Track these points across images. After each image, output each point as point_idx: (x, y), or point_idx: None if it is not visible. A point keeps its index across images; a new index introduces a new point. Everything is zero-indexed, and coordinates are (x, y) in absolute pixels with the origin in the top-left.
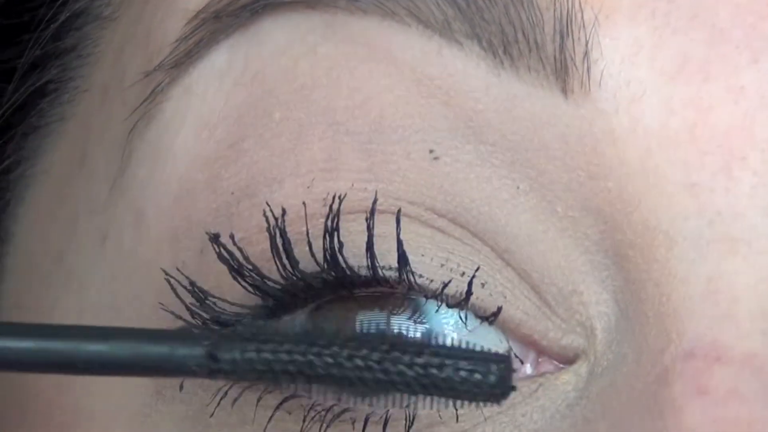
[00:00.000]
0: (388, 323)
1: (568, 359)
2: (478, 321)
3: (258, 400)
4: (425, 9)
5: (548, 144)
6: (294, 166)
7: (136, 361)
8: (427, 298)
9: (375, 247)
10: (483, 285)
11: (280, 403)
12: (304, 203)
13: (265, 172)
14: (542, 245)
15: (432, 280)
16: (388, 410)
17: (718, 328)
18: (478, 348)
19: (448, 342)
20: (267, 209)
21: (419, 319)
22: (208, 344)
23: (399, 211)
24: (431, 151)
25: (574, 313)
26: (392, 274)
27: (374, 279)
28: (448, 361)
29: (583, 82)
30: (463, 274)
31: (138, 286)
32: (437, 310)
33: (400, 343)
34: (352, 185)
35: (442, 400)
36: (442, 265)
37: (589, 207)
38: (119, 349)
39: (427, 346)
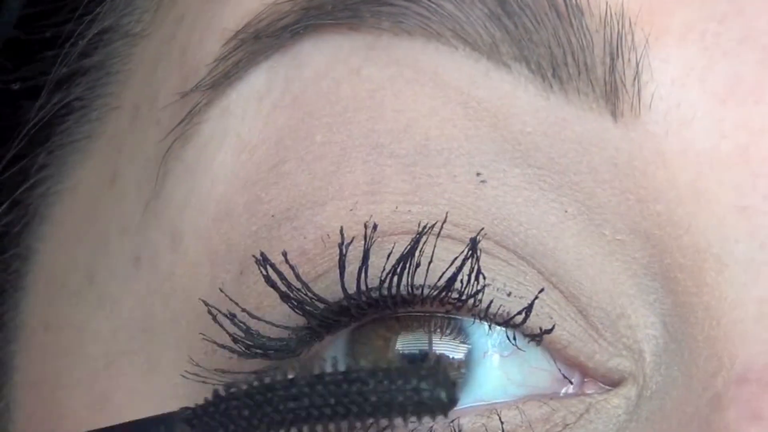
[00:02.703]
0: (430, 344)
1: (614, 381)
2: (526, 340)
3: None
4: (472, 31)
5: (597, 167)
6: (337, 190)
7: None
8: (475, 318)
9: (420, 268)
10: (533, 300)
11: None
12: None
13: (307, 195)
14: (590, 269)
15: (479, 300)
16: (432, 426)
17: None
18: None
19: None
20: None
21: (463, 340)
22: (189, 415)
23: (475, 240)
24: (478, 174)
25: (621, 336)
26: (435, 293)
27: (422, 299)
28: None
29: (633, 105)
30: (509, 293)
31: (175, 309)
32: (488, 331)
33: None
34: (396, 208)
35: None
36: (488, 285)
37: (637, 230)
38: None
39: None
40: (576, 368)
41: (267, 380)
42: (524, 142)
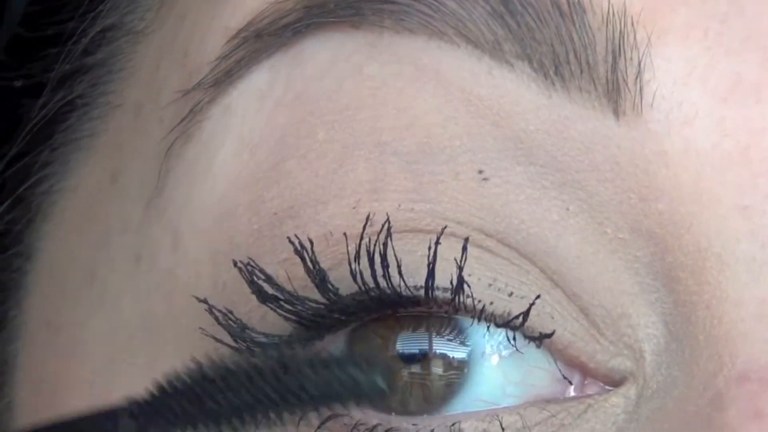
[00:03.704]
0: (430, 344)
1: (615, 381)
2: (526, 341)
3: (299, 421)
4: (474, 29)
5: (599, 165)
6: (339, 188)
7: None
8: (475, 318)
9: (422, 268)
10: (530, 305)
11: (323, 423)
12: (345, 234)
13: (309, 193)
14: (592, 267)
15: (480, 300)
16: (433, 429)
17: None
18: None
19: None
20: (295, 239)
21: (462, 341)
22: (131, 413)
23: (467, 239)
24: (480, 172)
25: (623, 335)
26: (442, 295)
27: (426, 300)
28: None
29: (635, 104)
30: (510, 294)
31: (176, 308)
32: (486, 332)
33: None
34: (399, 206)
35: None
36: (490, 285)
37: (639, 229)
38: None
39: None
40: (576, 368)
41: (205, 371)
42: (526, 141)
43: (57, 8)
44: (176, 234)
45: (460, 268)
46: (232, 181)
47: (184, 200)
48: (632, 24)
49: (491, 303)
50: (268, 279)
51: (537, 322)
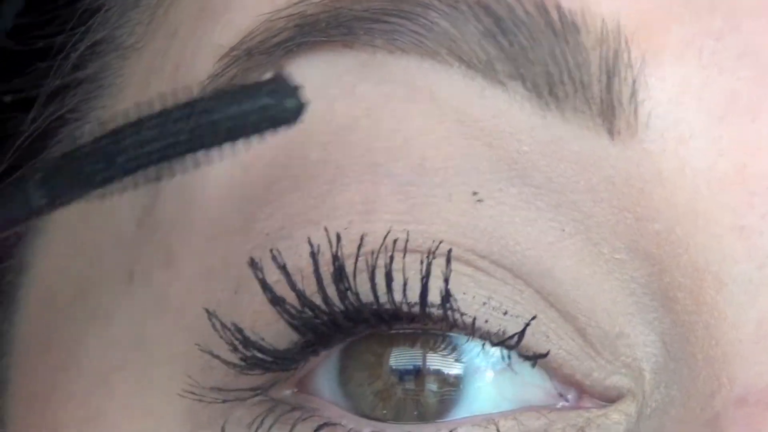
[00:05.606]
0: (423, 360)
1: (611, 398)
2: (521, 359)
3: (291, 429)
4: (467, 49)
5: (595, 186)
6: (330, 209)
7: None
8: (468, 335)
9: (417, 284)
10: (526, 325)
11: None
12: (338, 235)
13: (300, 214)
14: (588, 288)
15: (474, 318)
16: None
17: None
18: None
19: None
20: (315, 243)
21: (457, 357)
22: (41, 176)
23: (450, 251)
24: (474, 193)
25: (620, 355)
26: (436, 312)
27: (420, 315)
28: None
29: (629, 123)
30: (505, 313)
31: (170, 326)
32: (481, 349)
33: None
34: (390, 228)
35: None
36: (484, 304)
37: (636, 249)
38: None
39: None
40: (572, 386)
41: (113, 127)
42: (521, 161)
43: (46, 22)
44: (169, 252)
45: (446, 280)
46: (224, 199)
47: (177, 218)
48: (626, 43)
49: (486, 321)
50: (284, 271)
51: (532, 341)
